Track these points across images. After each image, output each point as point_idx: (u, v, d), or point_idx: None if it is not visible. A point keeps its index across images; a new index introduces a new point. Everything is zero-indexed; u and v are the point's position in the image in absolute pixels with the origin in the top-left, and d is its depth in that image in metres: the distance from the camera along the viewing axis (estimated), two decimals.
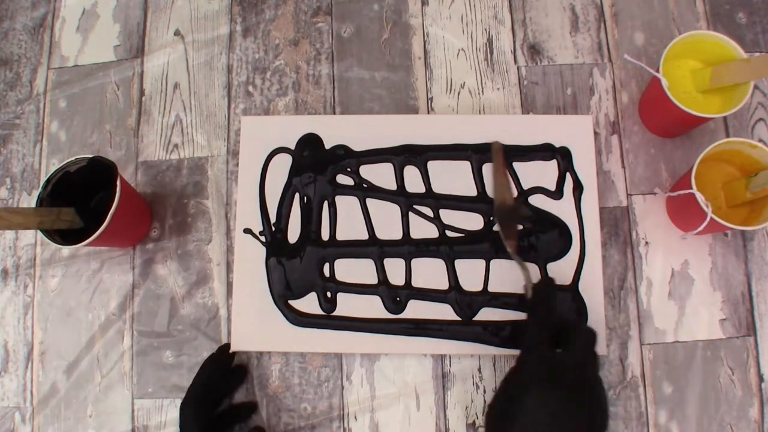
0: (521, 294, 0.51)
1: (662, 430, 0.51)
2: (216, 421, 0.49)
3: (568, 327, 0.43)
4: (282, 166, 0.56)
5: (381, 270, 0.53)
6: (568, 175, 0.54)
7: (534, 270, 0.52)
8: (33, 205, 0.50)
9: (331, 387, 0.53)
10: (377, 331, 0.52)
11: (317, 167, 0.55)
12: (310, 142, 0.56)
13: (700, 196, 0.46)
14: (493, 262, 0.53)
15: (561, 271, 0.52)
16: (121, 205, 0.49)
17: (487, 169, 0.54)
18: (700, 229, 0.48)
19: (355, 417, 0.52)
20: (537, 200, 0.54)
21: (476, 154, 0.55)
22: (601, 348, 0.51)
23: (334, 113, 0.59)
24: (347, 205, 0.55)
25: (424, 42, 0.60)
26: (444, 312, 0.52)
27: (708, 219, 0.46)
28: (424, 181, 0.54)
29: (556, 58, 0.59)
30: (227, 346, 0.52)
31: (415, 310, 0.52)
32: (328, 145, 0.56)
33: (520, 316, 0.52)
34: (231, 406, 0.52)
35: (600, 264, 0.52)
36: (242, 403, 0.53)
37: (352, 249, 0.54)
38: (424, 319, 0.52)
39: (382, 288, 0.53)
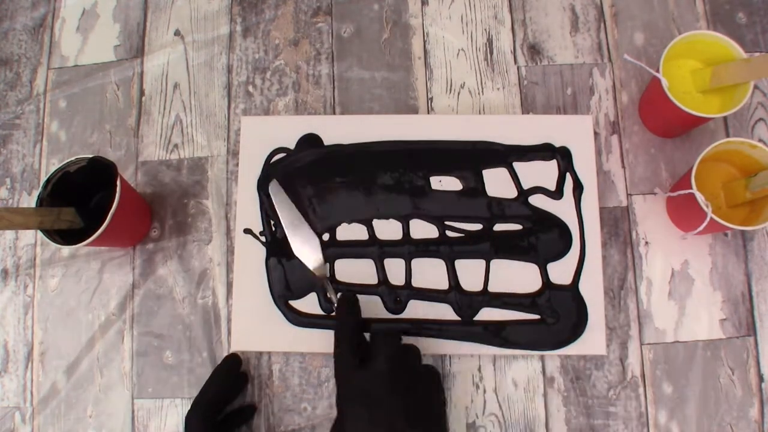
0: (523, 294, 0.52)
1: (662, 430, 0.51)
2: (220, 426, 0.49)
3: (372, 337, 0.45)
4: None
5: (381, 270, 0.53)
6: (568, 175, 0.54)
7: (534, 270, 0.52)
8: (33, 205, 0.50)
9: (331, 387, 0.53)
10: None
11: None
12: (310, 142, 0.56)
13: (700, 196, 0.46)
14: (493, 262, 0.53)
15: (561, 271, 0.52)
16: (121, 205, 0.49)
17: None
18: (700, 229, 0.48)
19: None
20: (537, 200, 0.54)
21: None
22: (600, 348, 0.51)
23: (334, 113, 0.59)
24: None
25: (424, 42, 0.60)
26: (444, 312, 0.52)
27: (708, 219, 0.46)
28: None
29: (556, 58, 0.59)
30: (233, 356, 0.52)
31: (415, 310, 0.52)
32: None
33: (521, 315, 0.52)
34: (233, 410, 0.52)
35: (600, 264, 0.52)
36: (243, 407, 0.53)
37: (353, 249, 0.54)
38: (424, 319, 0.52)
39: (383, 288, 0.53)
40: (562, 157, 0.54)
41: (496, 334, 0.51)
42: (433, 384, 0.44)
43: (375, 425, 0.40)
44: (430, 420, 0.42)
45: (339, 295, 0.52)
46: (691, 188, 0.47)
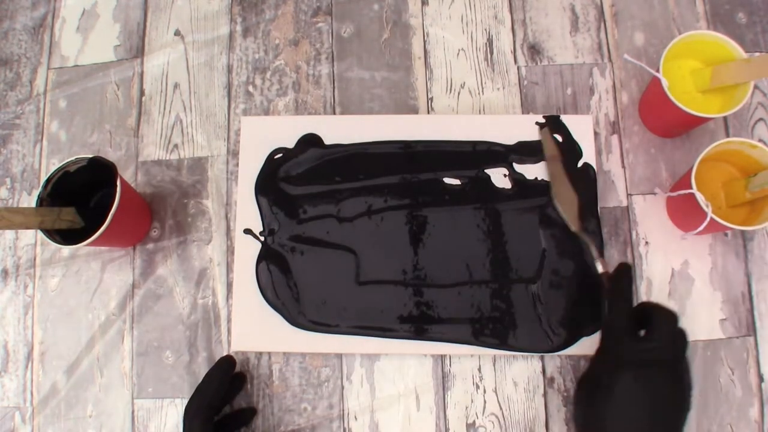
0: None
1: None
2: (218, 428, 0.49)
3: (648, 309, 0.44)
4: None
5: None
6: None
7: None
8: (33, 204, 0.50)
9: (331, 387, 0.53)
10: (377, 335, 0.52)
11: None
12: (310, 142, 0.56)
13: (700, 196, 0.46)
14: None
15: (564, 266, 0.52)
16: (121, 206, 0.49)
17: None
18: (700, 229, 0.48)
19: (355, 417, 0.52)
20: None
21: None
22: None
23: (334, 113, 0.59)
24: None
25: (424, 42, 0.60)
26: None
27: (708, 219, 0.46)
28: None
29: (556, 58, 0.59)
30: (228, 357, 0.52)
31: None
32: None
33: (522, 316, 0.52)
34: (232, 412, 0.52)
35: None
36: (242, 409, 0.52)
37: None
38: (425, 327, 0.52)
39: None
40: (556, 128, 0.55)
41: (496, 335, 0.51)
42: (690, 375, 0.43)
43: (654, 402, 0.39)
44: (687, 411, 0.41)
45: (618, 265, 0.48)
46: (691, 188, 0.47)
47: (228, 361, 0.51)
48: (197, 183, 0.58)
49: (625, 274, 0.46)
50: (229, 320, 0.55)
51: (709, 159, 0.48)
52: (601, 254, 0.52)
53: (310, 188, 0.55)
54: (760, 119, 0.56)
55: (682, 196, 0.49)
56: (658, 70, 0.49)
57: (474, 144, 0.55)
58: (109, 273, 0.57)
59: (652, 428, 0.40)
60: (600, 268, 0.48)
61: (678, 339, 0.43)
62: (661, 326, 0.42)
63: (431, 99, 0.59)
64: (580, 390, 0.43)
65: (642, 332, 0.43)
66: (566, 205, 0.53)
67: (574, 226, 0.52)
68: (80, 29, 0.63)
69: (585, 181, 0.54)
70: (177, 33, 0.62)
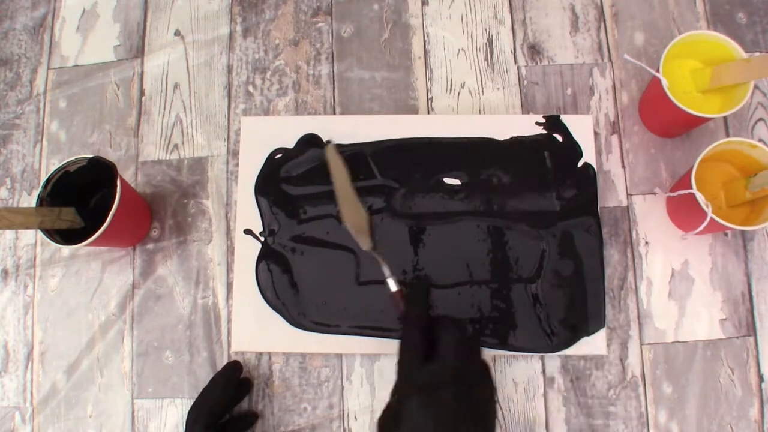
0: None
1: (662, 430, 0.51)
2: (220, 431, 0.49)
3: (436, 324, 0.42)
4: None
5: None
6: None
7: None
8: (33, 204, 0.50)
9: (331, 387, 0.53)
10: (377, 335, 0.52)
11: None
12: (310, 142, 0.56)
13: (700, 196, 0.46)
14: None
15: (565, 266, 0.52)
16: (121, 206, 0.49)
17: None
18: (700, 229, 0.48)
19: (355, 417, 0.52)
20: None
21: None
22: (601, 348, 0.51)
23: (334, 113, 0.59)
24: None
25: (424, 42, 0.60)
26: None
27: (708, 219, 0.46)
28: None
29: (556, 58, 0.59)
30: (234, 363, 0.52)
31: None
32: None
33: (522, 315, 0.52)
34: (234, 416, 0.52)
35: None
36: (244, 414, 0.52)
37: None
38: None
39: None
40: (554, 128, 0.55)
41: (496, 335, 0.51)
42: (490, 382, 0.42)
43: (440, 425, 0.37)
44: (489, 421, 0.40)
45: (410, 282, 0.50)
46: (691, 188, 0.47)
47: (234, 367, 0.51)
48: (197, 183, 0.58)
49: (418, 291, 0.45)
50: (229, 320, 0.55)
51: (709, 159, 0.48)
52: (393, 273, 0.49)
53: (310, 188, 0.55)
54: (760, 119, 0.56)
55: (682, 196, 0.49)
56: (658, 70, 0.49)
57: (471, 141, 0.55)
58: (109, 273, 0.57)
59: None
60: (393, 287, 0.48)
61: (465, 353, 0.41)
62: (445, 344, 0.40)
63: (431, 99, 0.59)
64: (381, 419, 0.41)
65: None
66: (355, 224, 0.52)
67: (364, 245, 0.52)
68: (80, 29, 0.63)
69: (585, 180, 0.54)
70: (177, 33, 0.62)
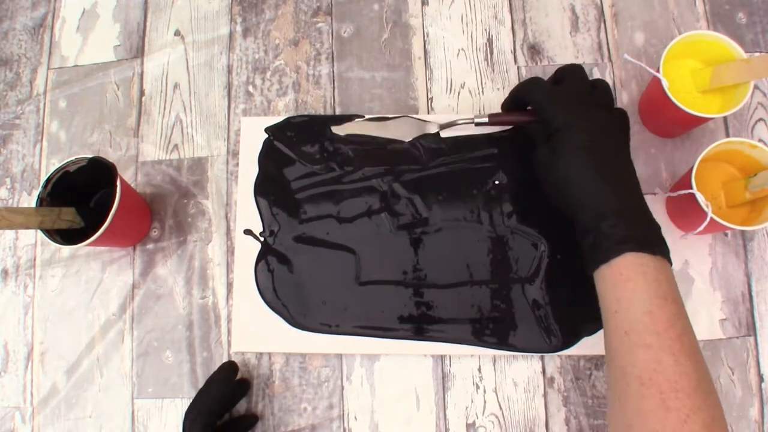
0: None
1: None
2: None
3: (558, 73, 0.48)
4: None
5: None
6: None
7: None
8: (33, 204, 0.50)
9: (331, 387, 0.53)
10: (377, 336, 0.52)
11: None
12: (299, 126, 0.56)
13: (700, 196, 0.46)
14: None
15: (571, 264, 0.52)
16: (121, 206, 0.49)
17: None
18: (700, 229, 0.48)
19: (355, 417, 0.52)
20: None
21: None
22: (601, 348, 0.50)
23: (334, 113, 0.59)
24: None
25: (424, 42, 0.60)
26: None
27: (708, 219, 0.46)
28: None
29: (556, 58, 0.59)
30: (230, 363, 0.51)
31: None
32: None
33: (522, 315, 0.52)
34: (233, 418, 0.52)
35: None
36: (244, 415, 0.52)
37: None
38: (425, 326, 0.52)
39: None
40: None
41: (496, 335, 0.51)
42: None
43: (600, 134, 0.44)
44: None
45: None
46: (691, 188, 0.47)
47: (230, 367, 0.51)
48: (197, 183, 0.58)
49: (529, 82, 0.48)
50: (229, 320, 0.55)
51: (709, 159, 0.48)
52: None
53: (310, 190, 0.55)
54: (760, 119, 0.56)
55: (682, 197, 0.49)
56: (658, 70, 0.49)
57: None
58: (109, 273, 0.57)
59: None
60: (484, 119, 0.51)
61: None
62: (569, 77, 0.46)
63: (431, 99, 0.59)
64: (537, 156, 0.47)
65: None
66: (409, 130, 0.55)
67: (433, 129, 0.54)
68: (80, 29, 0.63)
69: None
70: (177, 33, 0.62)
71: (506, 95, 0.57)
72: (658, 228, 0.42)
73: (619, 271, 0.40)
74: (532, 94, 0.47)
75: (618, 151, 0.45)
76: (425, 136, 0.54)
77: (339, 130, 0.56)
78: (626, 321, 0.38)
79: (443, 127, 0.53)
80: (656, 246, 0.40)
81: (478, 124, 0.51)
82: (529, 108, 0.49)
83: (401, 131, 0.54)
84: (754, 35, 0.58)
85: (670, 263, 0.41)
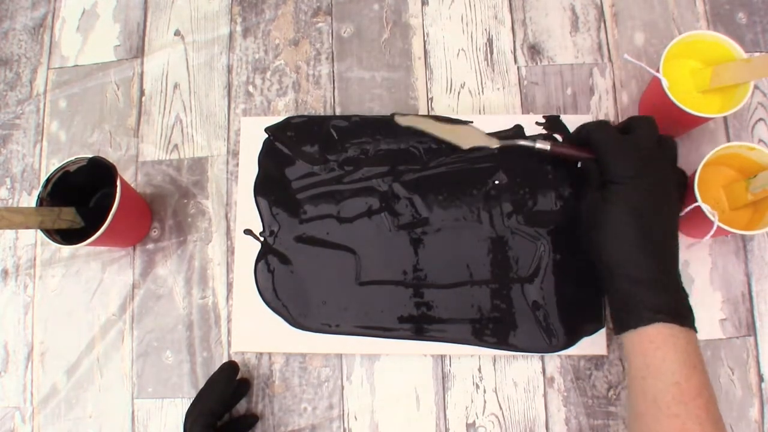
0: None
1: None
2: None
3: (628, 122, 0.47)
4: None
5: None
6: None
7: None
8: (33, 204, 0.50)
9: (331, 387, 0.53)
10: (378, 336, 0.52)
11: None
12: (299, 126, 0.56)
13: (707, 208, 0.46)
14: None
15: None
16: (121, 206, 0.49)
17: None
18: (707, 237, 0.47)
19: (355, 417, 0.52)
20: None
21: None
22: (601, 348, 0.51)
23: (334, 113, 0.59)
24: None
25: (424, 42, 0.60)
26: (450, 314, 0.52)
27: (715, 227, 0.46)
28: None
29: (556, 58, 0.59)
30: (231, 363, 0.51)
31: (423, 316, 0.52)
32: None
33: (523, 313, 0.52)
34: (233, 418, 0.52)
35: None
36: (244, 416, 0.52)
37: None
38: (425, 326, 0.52)
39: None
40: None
41: (496, 335, 0.51)
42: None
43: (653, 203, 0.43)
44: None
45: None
46: (695, 201, 0.46)
47: (231, 367, 0.51)
48: (197, 183, 0.58)
49: (584, 128, 0.48)
50: (229, 320, 0.55)
51: (709, 163, 0.48)
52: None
53: (310, 190, 0.55)
54: (760, 119, 0.56)
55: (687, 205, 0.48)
56: (658, 70, 0.49)
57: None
58: (109, 273, 0.57)
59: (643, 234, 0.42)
60: (545, 146, 0.51)
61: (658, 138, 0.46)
62: (639, 128, 0.45)
63: (431, 99, 0.59)
64: (586, 204, 0.46)
65: None
66: (472, 138, 0.54)
67: (494, 144, 0.53)
68: (80, 29, 0.63)
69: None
70: (177, 33, 0.62)
71: (506, 95, 0.57)
72: (686, 297, 0.42)
73: (650, 339, 0.40)
74: (598, 137, 0.46)
75: (668, 217, 0.44)
76: (481, 149, 0.54)
77: (402, 120, 0.55)
78: (654, 388, 0.39)
79: (503, 147, 0.53)
80: (686, 318, 0.41)
81: (538, 150, 0.51)
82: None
83: (462, 138, 0.54)
84: (754, 35, 0.58)
85: (696, 332, 0.42)
